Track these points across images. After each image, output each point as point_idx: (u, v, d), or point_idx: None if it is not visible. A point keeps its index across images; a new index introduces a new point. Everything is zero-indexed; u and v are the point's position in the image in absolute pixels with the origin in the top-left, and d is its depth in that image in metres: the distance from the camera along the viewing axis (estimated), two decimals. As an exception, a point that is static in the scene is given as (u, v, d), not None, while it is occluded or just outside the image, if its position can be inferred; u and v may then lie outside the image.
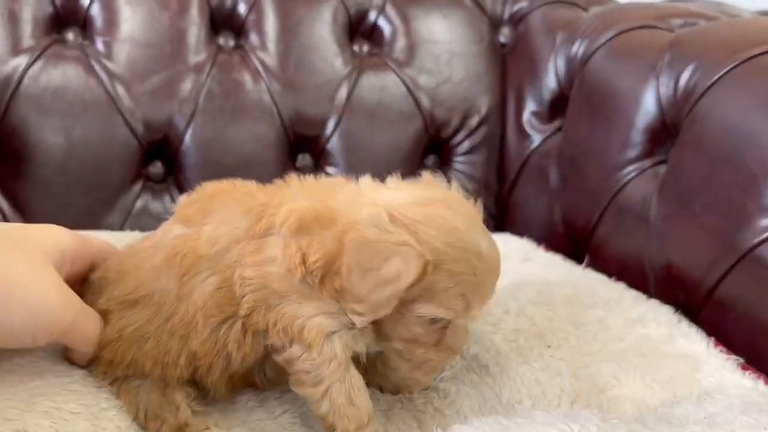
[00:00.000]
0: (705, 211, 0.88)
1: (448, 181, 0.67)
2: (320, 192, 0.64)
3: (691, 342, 0.78)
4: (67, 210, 1.06)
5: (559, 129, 1.21)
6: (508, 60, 1.31)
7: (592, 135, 1.09)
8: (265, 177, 1.16)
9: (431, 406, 0.73)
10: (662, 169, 1.00)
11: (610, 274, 1.00)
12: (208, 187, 0.69)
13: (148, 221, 1.12)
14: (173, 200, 1.14)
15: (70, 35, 1.12)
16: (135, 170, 1.11)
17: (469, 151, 1.28)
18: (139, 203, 1.12)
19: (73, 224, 1.02)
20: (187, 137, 1.12)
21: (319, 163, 1.23)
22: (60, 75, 1.07)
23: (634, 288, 0.95)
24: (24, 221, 1.05)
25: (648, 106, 1.01)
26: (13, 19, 1.06)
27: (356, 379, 0.64)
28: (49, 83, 1.06)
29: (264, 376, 0.71)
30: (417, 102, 1.25)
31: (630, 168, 1.02)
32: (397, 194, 0.63)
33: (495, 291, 0.65)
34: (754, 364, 0.77)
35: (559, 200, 1.16)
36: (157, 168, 1.14)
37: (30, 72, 1.05)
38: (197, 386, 0.67)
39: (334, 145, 1.21)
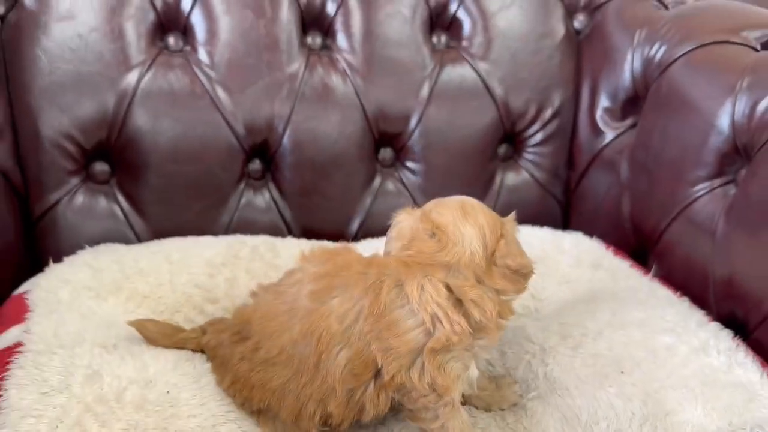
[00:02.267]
0: (770, 245, 0.96)
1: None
2: (416, 267, 0.75)
3: (747, 371, 0.88)
4: (183, 213, 1.18)
5: (632, 126, 1.27)
6: (583, 48, 1.35)
7: (666, 146, 1.15)
8: (350, 171, 1.27)
9: (521, 425, 0.87)
10: (731, 189, 1.07)
11: (673, 280, 1.11)
12: (328, 263, 0.81)
13: (252, 213, 1.24)
14: (271, 195, 1.25)
15: (171, 40, 1.19)
16: (239, 171, 1.21)
17: (541, 142, 1.35)
18: (243, 200, 1.23)
19: (190, 226, 1.16)
20: (285, 139, 1.21)
21: (399, 157, 1.31)
22: (168, 86, 1.15)
23: (696, 297, 1.06)
24: (144, 224, 1.17)
25: (722, 127, 1.06)
26: (120, 35, 1.13)
27: (464, 415, 0.78)
28: (160, 94, 1.15)
29: None
30: (493, 96, 1.31)
31: (700, 185, 1.09)
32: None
33: None
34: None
35: (628, 198, 1.24)
36: (256, 165, 1.24)
37: (142, 84, 1.14)
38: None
39: (415, 140, 1.29)
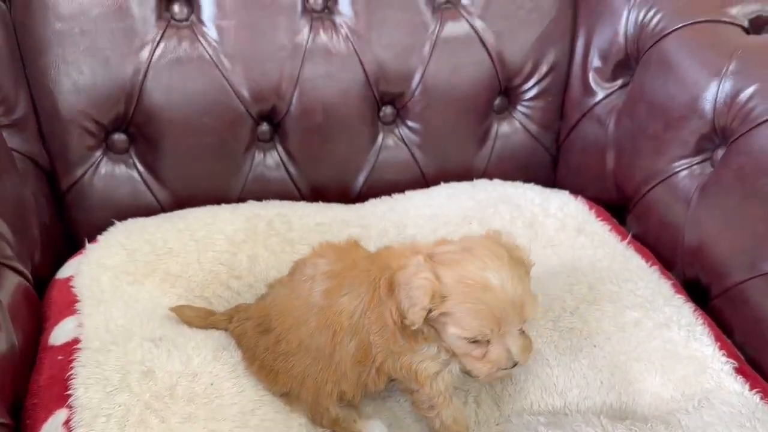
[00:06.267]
0: (737, 229, 1.07)
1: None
2: (398, 257, 0.87)
3: (702, 345, 1.03)
4: (200, 180, 1.26)
5: (622, 87, 1.33)
6: (579, 6, 1.37)
7: (651, 121, 1.22)
8: (354, 134, 1.33)
9: (507, 392, 1.03)
10: (707, 167, 1.16)
11: (647, 239, 1.24)
12: (338, 262, 0.92)
13: (263, 171, 1.32)
14: (280, 156, 1.33)
15: (176, 8, 1.20)
16: (249, 138, 1.28)
17: (535, 97, 1.41)
18: (255, 162, 1.31)
19: (207, 189, 1.26)
20: (292, 107, 1.27)
21: (400, 114, 1.37)
22: (178, 61, 1.19)
23: (666, 258, 1.19)
24: (165, 192, 1.26)
25: (705, 109, 1.13)
26: (128, 13, 1.16)
27: (458, 403, 0.93)
28: (171, 69, 1.19)
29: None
30: (490, 53, 1.35)
31: (682, 162, 1.18)
32: (449, 246, 0.86)
33: (523, 320, 0.83)
34: (745, 353, 1.04)
35: (613, 157, 1.33)
36: (264, 127, 1.31)
37: (153, 61, 1.18)
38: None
39: (416, 102, 1.35)
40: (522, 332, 0.87)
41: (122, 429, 0.84)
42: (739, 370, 1.01)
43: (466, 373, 0.93)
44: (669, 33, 1.20)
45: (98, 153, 1.22)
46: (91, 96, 1.17)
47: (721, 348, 1.03)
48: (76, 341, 0.95)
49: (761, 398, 0.97)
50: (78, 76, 1.15)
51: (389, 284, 0.85)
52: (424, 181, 1.40)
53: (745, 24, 1.15)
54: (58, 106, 1.15)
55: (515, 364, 0.86)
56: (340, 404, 0.95)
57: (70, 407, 0.86)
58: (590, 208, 1.31)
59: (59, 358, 0.93)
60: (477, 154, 1.42)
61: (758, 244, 1.03)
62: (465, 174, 1.40)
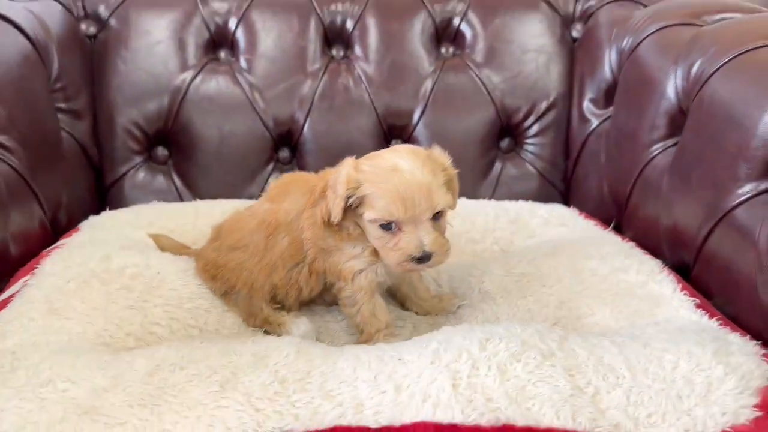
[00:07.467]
0: (698, 185, 1.05)
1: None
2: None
3: (661, 287, 0.97)
4: (221, 185, 1.45)
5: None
6: (577, 53, 1.50)
7: (629, 119, 1.27)
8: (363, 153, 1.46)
9: (449, 323, 1.00)
10: (678, 149, 1.17)
11: (637, 237, 1.21)
12: (286, 177, 1.03)
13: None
14: (296, 177, 1.49)
15: (222, 54, 1.49)
16: (268, 155, 1.47)
17: (538, 134, 1.50)
18: (271, 179, 1.48)
19: (226, 195, 1.41)
20: (306, 130, 1.46)
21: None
22: (214, 85, 1.45)
23: (654, 251, 1.14)
24: (192, 195, 1.45)
25: (669, 93, 1.18)
26: (182, 45, 1.46)
27: (379, 301, 0.94)
28: (207, 92, 1.45)
29: (324, 301, 1.04)
30: (492, 97, 1.49)
31: (655, 147, 1.20)
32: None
33: (432, 207, 0.85)
34: (725, 311, 0.95)
35: (606, 175, 1.36)
36: (285, 153, 1.49)
37: (193, 84, 1.45)
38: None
39: (420, 132, 1.49)
40: (439, 233, 0.89)
41: (66, 283, 0.94)
42: (700, 306, 0.93)
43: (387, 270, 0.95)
44: (640, 42, 1.29)
45: (140, 158, 1.45)
46: (141, 109, 1.43)
47: (683, 289, 0.96)
48: (63, 244, 1.09)
49: (719, 325, 0.88)
50: (132, 90, 1.43)
51: (323, 188, 0.93)
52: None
53: (705, 25, 1.23)
54: (113, 112, 1.42)
55: (428, 256, 0.87)
56: (274, 306, 0.99)
57: (33, 274, 0.99)
58: (579, 213, 1.31)
59: (43, 254, 1.07)
60: (481, 183, 1.49)
61: (717, 186, 1.00)
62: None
